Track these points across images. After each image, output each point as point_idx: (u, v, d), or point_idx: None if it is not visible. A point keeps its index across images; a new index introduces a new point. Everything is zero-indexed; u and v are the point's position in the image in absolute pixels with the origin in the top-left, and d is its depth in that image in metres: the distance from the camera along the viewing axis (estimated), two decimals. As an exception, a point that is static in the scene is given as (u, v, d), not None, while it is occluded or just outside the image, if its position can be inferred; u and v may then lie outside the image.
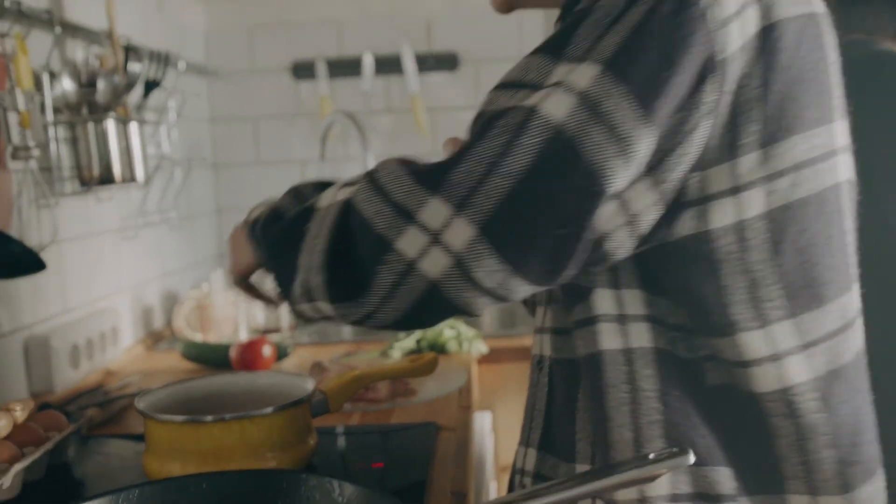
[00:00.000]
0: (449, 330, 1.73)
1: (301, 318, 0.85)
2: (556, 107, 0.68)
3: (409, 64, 2.48)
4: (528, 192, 0.68)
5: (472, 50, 2.53)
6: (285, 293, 0.83)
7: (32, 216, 1.49)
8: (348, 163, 2.56)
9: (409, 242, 0.70)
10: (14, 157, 1.36)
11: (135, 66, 1.66)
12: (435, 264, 0.70)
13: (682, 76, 0.68)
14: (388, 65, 2.52)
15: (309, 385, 1.02)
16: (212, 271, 2.21)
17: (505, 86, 0.74)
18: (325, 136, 2.36)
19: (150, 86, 1.80)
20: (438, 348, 1.70)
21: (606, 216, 0.69)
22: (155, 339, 2.01)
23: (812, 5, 0.76)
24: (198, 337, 1.96)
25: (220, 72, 2.56)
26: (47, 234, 1.51)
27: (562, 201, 0.68)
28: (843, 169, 0.78)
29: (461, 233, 0.69)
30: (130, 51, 1.69)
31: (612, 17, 0.70)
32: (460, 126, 2.55)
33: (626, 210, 0.70)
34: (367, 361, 1.62)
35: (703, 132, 0.69)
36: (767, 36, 0.71)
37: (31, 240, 1.47)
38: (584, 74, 0.68)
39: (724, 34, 0.69)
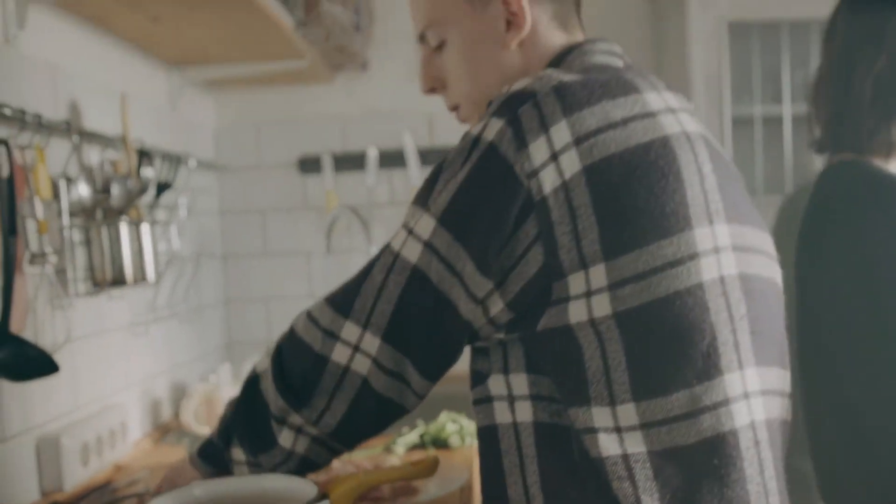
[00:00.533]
0: (451, 424, 1.75)
1: (285, 464, 1.08)
2: (410, 252, 0.95)
3: (412, 157, 2.56)
4: (404, 311, 0.96)
5: (473, 144, 2.61)
6: (269, 442, 1.06)
7: (47, 317, 1.54)
8: (352, 254, 2.62)
9: (340, 355, 1.00)
10: (32, 262, 1.42)
11: (148, 171, 1.73)
12: (362, 365, 0.99)
13: (500, 221, 0.90)
14: (392, 159, 2.61)
15: (313, 490, 1.05)
16: (219, 363, 2.25)
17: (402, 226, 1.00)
18: (330, 230, 2.42)
19: (163, 187, 1.87)
20: (441, 443, 1.72)
21: (473, 318, 0.94)
22: (162, 431, 2.04)
23: (664, 129, 0.92)
24: (205, 431, 1.99)
25: (229, 166, 2.64)
26: (61, 334, 1.55)
27: (426, 318, 0.96)
28: (710, 269, 0.91)
29: (371, 342, 0.98)
30: (143, 155, 1.76)
31: (451, 173, 0.94)
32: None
33: (486, 314, 0.94)
34: (370, 457, 1.64)
35: (535, 256, 0.89)
36: (591, 173, 0.88)
37: (46, 340, 1.52)
38: (426, 226, 0.94)
39: (536, 181, 0.89)
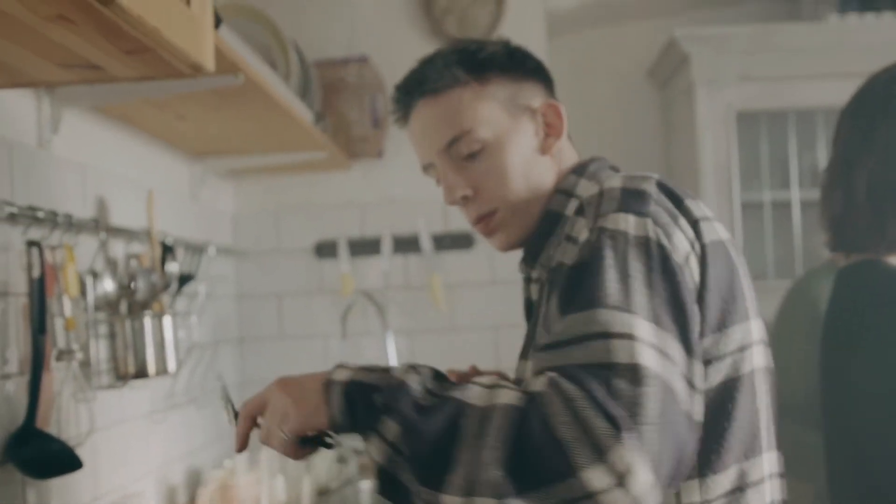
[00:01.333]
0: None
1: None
2: (648, 359, 0.86)
3: (427, 243, 2.61)
4: (666, 431, 0.84)
5: (486, 229, 2.66)
6: (431, 482, 0.89)
7: (71, 410, 1.57)
8: (367, 338, 2.65)
9: (597, 478, 0.82)
10: (58, 359, 1.46)
11: (172, 266, 1.78)
12: (615, 501, 0.82)
13: (692, 308, 0.93)
14: (407, 244, 2.65)
15: None
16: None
17: (563, 343, 0.90)
18: (345, 315, 2.46)
19: (185, 279, 1.91)
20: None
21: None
22: (178, 519, 2.05)
23: (718, 233, 1.02)
24: (221, 519, 2.00)
25: (247, 252, 2.69)
26: (84, 427, 1.58)
27: (681, 426, 0.86)
28: (759, 357, 1.01)
29: (643, 479, 0.82)
30: (167, 249, 1.82)
31: (621, 269, 0.92)
32: (476, 300, 2.66)
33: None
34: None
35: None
36: (703, 257, 0.97)
37: (69, 433, 1.55)
38: (644, 329, 0.88)
39: (689, 268, 0.95)
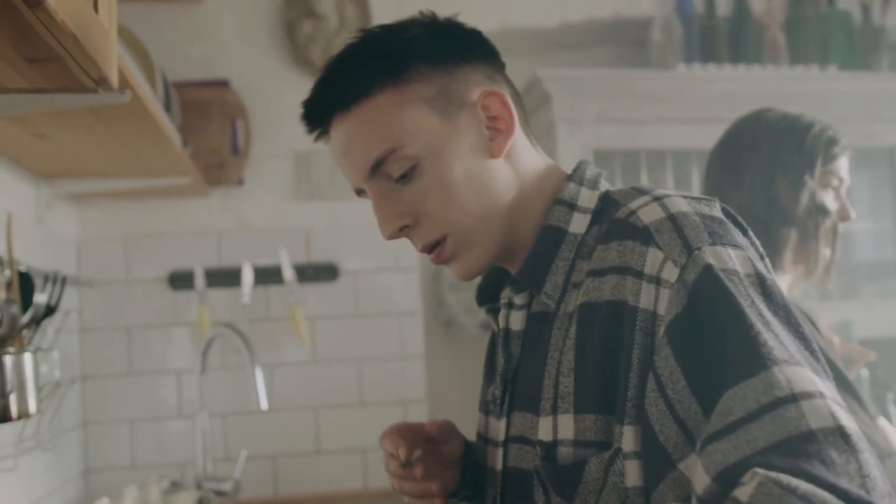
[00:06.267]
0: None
1: None
2: (844, 418, 0.71)
3: (288, 274, 2.52)
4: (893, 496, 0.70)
5: (350, 261, 2.62)
6: None
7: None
8: (225, 372, 2.53)
9: None
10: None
11: (39, 297, 1.62)
12: None
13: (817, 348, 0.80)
14: (267, 275, 2.56)
15: None
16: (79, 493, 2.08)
17: (742, 422, 0.72)
18: (207, 348, 2.33)
19: (47, 311, 1.75)
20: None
21: None
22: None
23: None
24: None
25: (95, 281, 2.50)
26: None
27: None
28: None
29: None
30: (24, 279, 1.66)
31: (759, 315, 0.77)
32: (340, 333, 2.57)
33: None
34: None
35: None
36: None
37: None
38: (819, 383, 0.73)
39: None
